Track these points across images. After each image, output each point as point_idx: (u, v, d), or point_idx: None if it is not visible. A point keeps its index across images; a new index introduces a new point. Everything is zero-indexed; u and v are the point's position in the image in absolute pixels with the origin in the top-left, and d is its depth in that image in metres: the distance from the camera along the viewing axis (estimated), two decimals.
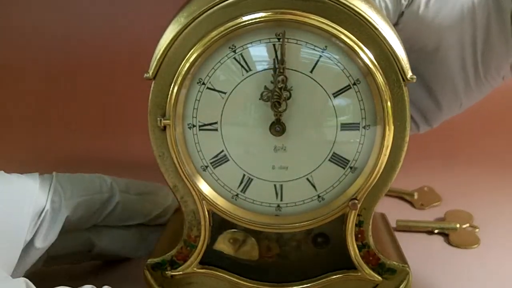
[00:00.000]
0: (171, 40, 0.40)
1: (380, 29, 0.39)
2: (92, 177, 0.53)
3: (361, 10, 0.39)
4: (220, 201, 0.44)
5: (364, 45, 0.39)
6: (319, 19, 0.39)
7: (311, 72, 0.40)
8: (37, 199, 0.46)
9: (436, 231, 0.67)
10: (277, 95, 0.40)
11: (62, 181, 0.49)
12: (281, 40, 0.40)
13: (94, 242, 0.53)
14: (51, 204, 0.47)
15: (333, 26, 0.39)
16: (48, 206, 0.47)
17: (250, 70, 0.41)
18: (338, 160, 0.42)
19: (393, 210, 0.69)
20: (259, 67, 0.41)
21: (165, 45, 0.40)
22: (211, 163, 0.43)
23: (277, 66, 0.40)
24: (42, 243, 0.47)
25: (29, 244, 0.46)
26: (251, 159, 0.43)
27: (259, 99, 0.41)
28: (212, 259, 0.46)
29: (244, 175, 0.43)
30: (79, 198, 0.49)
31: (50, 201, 0.47)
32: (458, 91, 0.49)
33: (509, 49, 0.46)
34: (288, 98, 0.41)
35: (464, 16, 0.46)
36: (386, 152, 0.41)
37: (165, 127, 0.41)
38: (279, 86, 0.40)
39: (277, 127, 0.41)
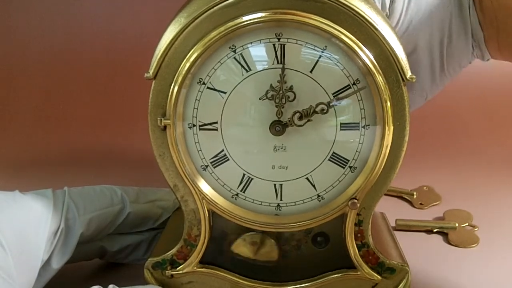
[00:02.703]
0: (171, 40, 0.40)
1: (379, 29, 0.39)
2: (102, 189, 0.54)
3: (360, 10, 0.39)
4: (220, 201, 0.44)
5: (364, 45, 0.39)
6: (318, 19, 0.39)
7: (311, 72, 0.40)
8: (52, 219, 0.47)
9: (435, 230, 0.67)
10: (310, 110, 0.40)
11: (75, 197, 0.51)
12: (281, 40, 0.40)
13: (107, 249, 0.55)
14: (65, 222, 0.49)
15: (333, 26, 0.39)
16: (63, 224, 0.48)
17: (250, 70, 0.41)
18: (338, 159, 0.42)
19: (393, 210, 0.70)
20: (259, 67, 0.41)
21: (165, 45, 0.40)
22: (211, 162, 0.43)
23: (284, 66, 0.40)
24: (58, 262, 0.49)
25: (46, 263, 0.48)
26: (251, 158, 0.43)
27: (262, 98, 0.41)
28: (212, 258, 0.47)
29: (244, 174, 0.43)
30: (92, 214, 0.51)
31: (64, 219, 0.48)
32: (424, 86, 0.51)
33: (469, 43, 0.48)
34: (292, 100, 0.41)
35: (432, 21, 0.48)
36: (386, 151, 0.41)
37: (165, 127, 0.41)
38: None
39: (277, 127, 0.41)
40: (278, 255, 0.46)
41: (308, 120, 0.41)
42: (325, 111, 0.40)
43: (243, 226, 0.45)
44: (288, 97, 0.41)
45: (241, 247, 0.46)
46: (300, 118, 0.41)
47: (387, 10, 0.47)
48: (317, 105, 0.40)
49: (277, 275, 0.46)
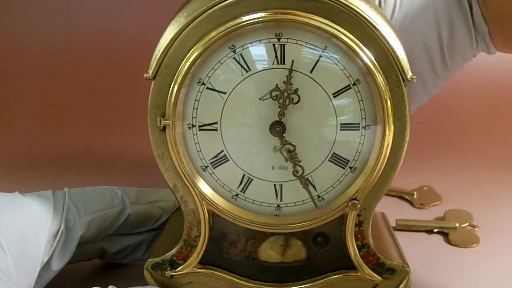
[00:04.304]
0: (170, 40, 0.40)
1: (380, 29, 0.39)
2: (102, 191, 0.53)
3: (361, 10, 0.39)
4: (220, 201, 0.44)
5: (364, 45, 0.39)
6: (319, 19, 0.39)
7: (311, 72, 0.40)
8: (52, 220, 0.47)
9: (435, 230, 0.67)
10: None
11: (75, 199, 0.50)
12: (281, 40, 0.40)
13: (107, 250, 0.55)
14: (65, 224, 0.48)
15: (333, 26, 0.39)
16: (63, 226, 0.48)
17: (250, 70, 0.41)
18: (338, 160, 0.42)
19: (393, 210, 0.70)
20: (259, 67, 0.41)
21: (164, 45, 0.40)
22: (211, 163, 0.43)
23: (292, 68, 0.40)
24: (58, 264, 0.48)
25: (46, 265, 0.47)
26: (251, 159, 0.43)
27: (262, 98, 0.41)
28: (212, 259, 0.46)
29: (244, 175, 0.43)
30: (92, 215, 0.50)
31: (64, 221, 0.48)
32: (426, 81, 0.50)
33: (472, 37, 0.47)
34: (296, 102, 0.41)
35: (428, 16, 0.47)
36: (386, 152, 0.41)
37: (164, 127, 0.41)
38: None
39: (277, 128, 0.41)
40: (306, 253, 0.46)
41: (287, 160, 0.42)
42: (298, 173, 0.42)
43: (243, 227, 0.44)
44: (292, 99, 0.41)
45: (268, 252, 0.46)
46: (289, 152, 0.41)
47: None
48: (303, 171, 0.42)
49: (277, 276, 0.46)
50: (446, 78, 0.51)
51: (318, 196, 0.43)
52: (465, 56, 0.49)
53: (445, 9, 0.47)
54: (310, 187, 0.43)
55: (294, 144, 0.41)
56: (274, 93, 0.41)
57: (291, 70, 0.40)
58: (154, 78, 0.41)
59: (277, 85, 0.40)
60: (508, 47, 0.47)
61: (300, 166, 0.42)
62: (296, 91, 0.40)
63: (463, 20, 0.47)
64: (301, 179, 0.42)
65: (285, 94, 0.40)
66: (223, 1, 0.39)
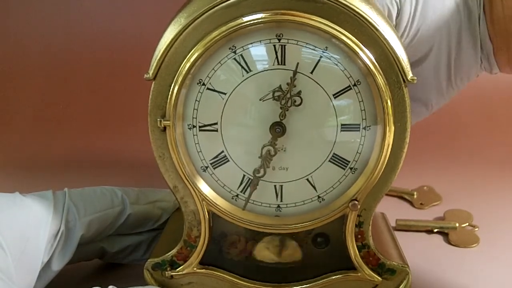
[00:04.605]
0: (171, 41, 0.40)
1: (380, 30, 0.39)
2: (103, 191, 0.53)
3: (361, 11, 0.39)
4: (220, 202, 0.44)
5: (365, 46, 0.39)
6: (319, 20, 0.39)
7: (311, 73, 0.40)
8: (52, 221, 0.47)
9: (435, 230, 0.67)
10: None
11: (75, 199, 0.50)
12: (281, 41, 0.40)
13: (107, 250, 0.55)
14: (65, 224, 0.48)
15: (334, 27, 0.39)
16: (63, 227, 0.48)
17: (250, 70, 0.41)
18: (339, 160, 0.42)
19: (393, 210, 0.70)
20: (260, 68, 0.41)
21: (165, 46, 0.40)
22: (211, 163, 0.43)
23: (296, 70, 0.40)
24: (58, 264, 0.48)
25: (46, 265, 0.47)
26: (251, 159, 0.43)
27: (263, 99, 0.41)
28: (212, 259, 0.46)
29: (244, 175, 0.43)
30: (92, 215, 0.50)
31: (64, 221, 0.48)
32: (430, 97, 0.50)
33: (478, 53, 0.47)
34: (299, 105, 0.41)
35: (440, 32, 0.47)
36: (387, 152, 0.41)
37: (165, 127, 0.41)
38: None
39: (278, 128, 0.41)
40: (305, 254, 0.46)
41: (260, 157, 0.42)
42: (258, 173, 0.42)
43: (243, 227, 0.44)
44: (295, 101, 0.41)
45: (264, 252, 0.46)
46: (268, 154, 0.42)
47: (394, 22, 0.46)
48: (264, 175, 0.42)
49: (277, 276, 0.46)
50: (450, 95, 0.51)
51: (318, 197, 0.43)
52: (470, 74, 0.49)
53: (455, 28, 0.47)
54: (311, 187, 0.43)
55: (278, 151, 0.42)
56: (276, 94, 0.41)
57: (295, 72, 0.40)
58: (154, 78, 0.41)
59: (280, 86, 0.40)
60: (511, 67, 0.47)
61: (265, 171, 0.42)
62: (299, 93, 0.40)
63: (471, 38, 0.47)
64: (255, 180, 0.42)
65: (288, 95, 0.40)
66: (224, 2, 0.39)
